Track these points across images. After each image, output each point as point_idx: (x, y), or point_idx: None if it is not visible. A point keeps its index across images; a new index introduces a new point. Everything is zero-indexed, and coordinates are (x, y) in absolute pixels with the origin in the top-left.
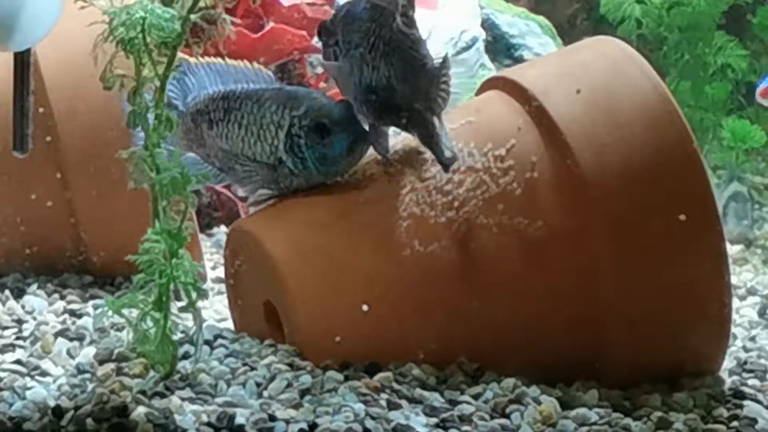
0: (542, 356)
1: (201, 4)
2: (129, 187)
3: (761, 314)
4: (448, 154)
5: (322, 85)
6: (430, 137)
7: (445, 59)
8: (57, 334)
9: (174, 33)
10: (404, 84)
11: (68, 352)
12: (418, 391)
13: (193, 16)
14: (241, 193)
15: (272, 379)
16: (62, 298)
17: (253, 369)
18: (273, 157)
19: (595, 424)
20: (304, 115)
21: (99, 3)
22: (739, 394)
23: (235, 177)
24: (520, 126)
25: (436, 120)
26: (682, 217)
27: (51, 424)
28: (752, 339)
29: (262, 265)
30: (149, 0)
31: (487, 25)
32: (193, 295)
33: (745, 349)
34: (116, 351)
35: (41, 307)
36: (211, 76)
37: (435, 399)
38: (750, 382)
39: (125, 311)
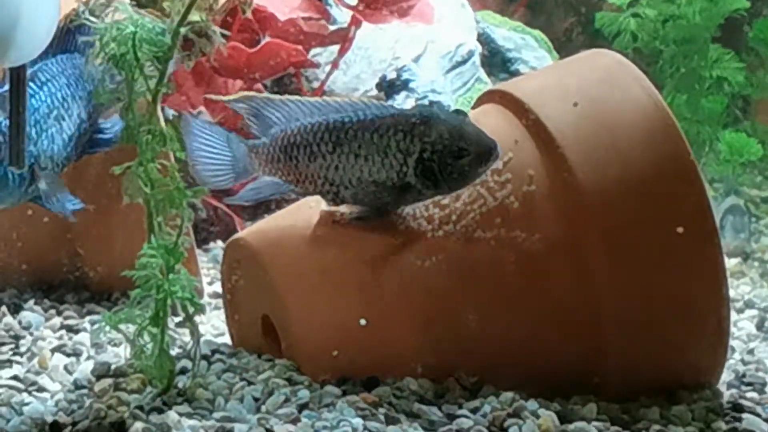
0: (540, 370)
1: (196, 17)
2: (123, 202)
3: (759, 327)
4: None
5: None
6: None
7: None
8: (54, 350)
9: (165, 47)
10: None
11: (65, 368)
12: (416, 405)
13: (182, 29)
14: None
15: (270, 393)
16: (59, 313)
17: (250, 384)
18: (399, 182)
19: None
20: (437, 141)
21: (91, 19)
22: (737, 407)
23: (331, 200)
24: (517, 139)
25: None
26: (680, 229)
27: None
28: (750, 352)
29: (260, 280)
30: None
31: (483, 39)
32: (190, 309)
33: (744, 362)
34: (113, 366)
35: (38, 322)
36: (305, 109)
37: (433, 413)
38: (748, 394)
39: (122, 326)
